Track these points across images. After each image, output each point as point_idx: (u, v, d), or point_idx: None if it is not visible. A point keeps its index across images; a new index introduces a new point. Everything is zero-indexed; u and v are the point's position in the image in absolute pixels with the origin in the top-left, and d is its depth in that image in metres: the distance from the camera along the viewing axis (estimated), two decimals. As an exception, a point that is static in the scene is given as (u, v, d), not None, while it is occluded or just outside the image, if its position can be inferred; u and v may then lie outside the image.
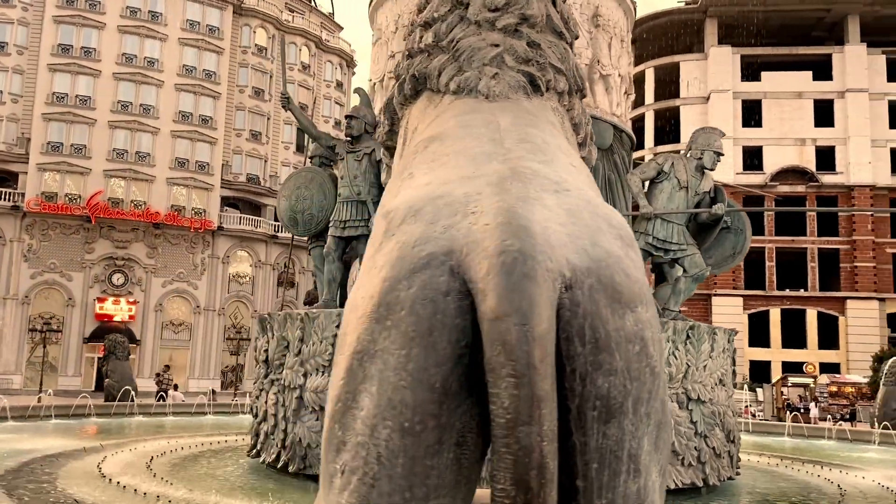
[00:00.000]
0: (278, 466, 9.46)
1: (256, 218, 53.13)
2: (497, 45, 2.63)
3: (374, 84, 11.55)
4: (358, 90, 10.84)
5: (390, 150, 3.07)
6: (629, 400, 1.43)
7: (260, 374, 10.26)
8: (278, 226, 53.91)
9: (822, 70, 48.37)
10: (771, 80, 48.51)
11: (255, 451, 10.23)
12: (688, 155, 9.86)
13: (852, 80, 47.39)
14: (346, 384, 1.45)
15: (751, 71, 48.77)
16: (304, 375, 9.26)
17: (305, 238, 11.97)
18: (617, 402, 1.42)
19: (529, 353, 1.31)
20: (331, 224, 10.34)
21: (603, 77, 10.94)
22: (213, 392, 31.89)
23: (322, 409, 8.95)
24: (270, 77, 54.79)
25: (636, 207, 9.98)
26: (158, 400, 20.15)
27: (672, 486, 8.84)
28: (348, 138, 10.34)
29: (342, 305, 10.57)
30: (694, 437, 9.08)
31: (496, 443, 1.29)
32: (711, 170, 9.79)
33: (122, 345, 21.90)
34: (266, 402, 9.95)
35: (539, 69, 2.64)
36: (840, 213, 46.15)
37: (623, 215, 10.44)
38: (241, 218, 52.33)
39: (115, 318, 46.64)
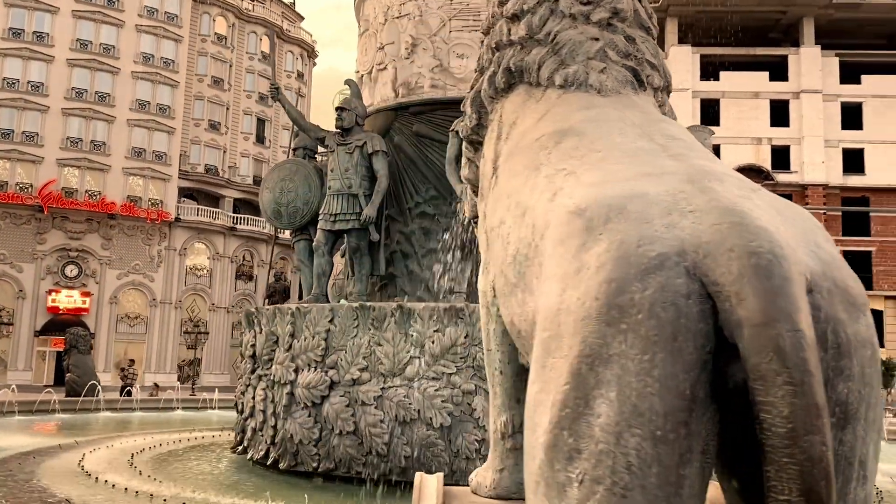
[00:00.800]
0: (268, 463, 9.32)
1: (215, 209, 52.26)
2: (597, 39, 2.60)
3: (363, 76, 11.41)
4: (348, 82, 10.70)
5: (474, 144, 3.00)
6: (863, 405, 1.41)
7: (246, 369, 10.09)
8: (237, 217, 53.19)
9: (779, 71, 49.31)
10: (729, 80, 49.27)
11: (241, 447, 10.06)
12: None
13: (807, 82, 48.39)
14: (574, 389, 1.39)
15: (710, 70, 49.49)
16: (296, 371, 9.12)
17: (289, 231, 11.77)
18: (853, 407, 1.40)
19: (806, 360, 1.27)
20: (320, 217, 10.19)
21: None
22: (157, 386, 31.30)
23: (315, 404, 8.84)
24: (230, 66, 53.92)
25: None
26: (123, 395, 19.72)
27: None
28: (338, 131, 10.19)
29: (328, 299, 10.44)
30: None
31: (774, 453, 1.25)
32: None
33: (83, 338, 21.36)
34: (254, 398, 9.78)
35: (638, 64, 2.61)
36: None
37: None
38: (198, 209, 51.43)
39: (69, 311, 45.48)
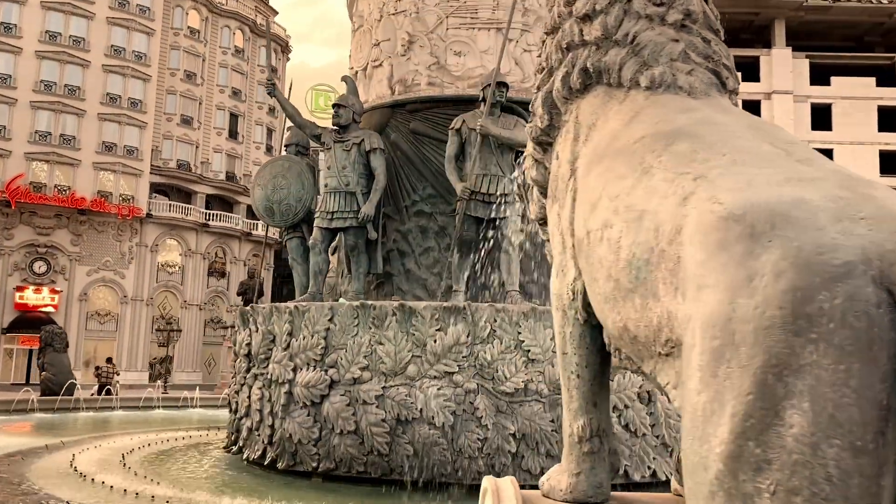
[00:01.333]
0: (265, 463, 9.24)
1: (187, 205, 51.64)
2: (677, 41, 2.59)
3: (357, 72, 11.32)
4: (345, 78, 10.61)
5: (542, 145, 2.98)
6: None
7: (241, 368, 9.97)
8: (209, 214, 52.62)
9: (750, 72, 49.94)
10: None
11: (235, 446, 9.96)
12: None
13: (778, 83, 49.09)
14: (760, 399, 1.38)
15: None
16: (294, 370, 9.04)
17: (279, 228, 11.65)
18: None
19: None
20: (316, 215, 10.11)
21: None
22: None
23: (314, 404, 8.77)
24: (203, 60, 53.28)
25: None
26: (100, 394, 19.40)
27: (663, 477, 9.00)
28: (335, 128, 10.11)
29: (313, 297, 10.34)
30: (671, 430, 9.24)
31: None
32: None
33: (59, 336, 20.95)
34: (249, 398, 9.68)
35: (717, 66, 2.61)
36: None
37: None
38: (170, 205, 50.78)
39: (37, 308, 44.67)
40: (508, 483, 2.78)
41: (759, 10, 49.53)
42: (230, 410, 10.52)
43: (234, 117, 55.18)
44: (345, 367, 8.70)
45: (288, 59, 61.65)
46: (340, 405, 8.60)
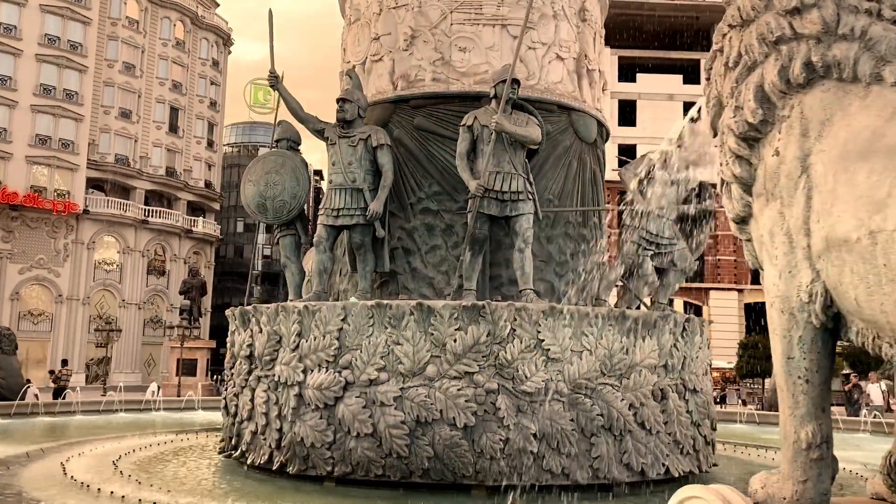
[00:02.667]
0: (273, 468, 8.94)
1: (125, 201, 50.10)
2: None
3: (354, 66, 11.05)
4: (349, 72, 10.35)
5: (748, 141, 2.88)
6: None
7: (241, 370, 9.64)
8: (149, 210, 51.16)
9: (692, 74, 51.16)
10: (645, 82, 50.81)
11: (236, 451, 9.62)
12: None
13: None
14: None
15: (627, 72, 50.87)
16: (304, 372, 8.78)
17: (274, 225, 11.31)
18: None
19: None
20: (320, 212, 9.83)
21: (589, 72, 11.02)
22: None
23: (327, 406, 8.54)
24: (142, 52, 51.74)
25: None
26: (56, 398, 18.58)
27: (676, 475, 9.08)
28: (339, 123, 9.85)
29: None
30: (690, 426, 9.34)
31: None
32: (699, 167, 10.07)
33: (8, 337, 19.97)
34: (253, 401, 9.37)
35: None
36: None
37: (602, 209, 10.55)
38: (108, 201, 49.17)
39: (-34, 308, 42.68)
40: (732, 493, 2.68)
41: (700, 14, 50.78)
42: (226, 414, 10.16)
43: (174, 111, 53.77)
44: (360, 368, 8.49)
45: (230, 52, 60.38)
46: (356, 407, 8.38)
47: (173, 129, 53.71)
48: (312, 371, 8.73)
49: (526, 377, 8.29)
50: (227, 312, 10.63)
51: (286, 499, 8.22)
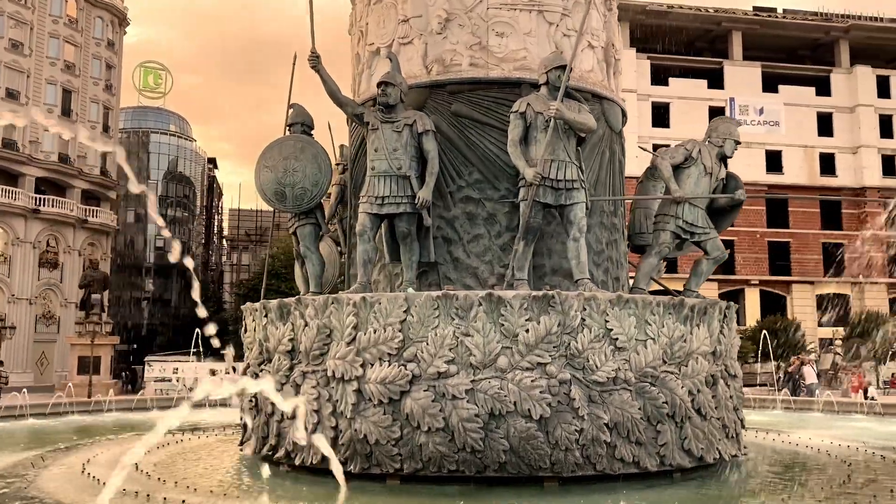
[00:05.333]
0: (329, 468, 8.49)
1: (14, 189, 46.63)
2: None
3: (379, 49, 10.63)
4: (390, 55, 9.93)
5: None
6: None
7: (281, 366, 9.12)
8: (40, 199, 47.88)
9: (716, 79, 53.59)
10: (677, 86, 52.70)
11: (277, 452, 9.09)
12: (708, 142, 10.29)
13: (735, 90, 53.02)
14: None
15: (660, 77, 52.56)
16: (363, 366, 8.40)
17: (292, 213, 10.75)
18: None
19: None
20: (362, 200, 9.42)
21: (616, 61, 11.07)
22: None
23: (392, 401, 8.21)
24: (31, 29, 48.24)
25: (664, 191, 10.23)
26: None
27: (726, 458, 9.28)
28: (381, 107, 9.46)
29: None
30: (733, 410, 9.57)
31: None
32: (730, 158, 10.30)
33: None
34: (300, 397, 8.88)
35: None
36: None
37: (619, 199, 10.64)
38: (-5, 189, 45.68)
39: None
40: None
41: (719, 23, 53.25)
42: (257, 412, 9.61)
43: (66, 93, 50.45)
44: (427, 360, 8.20)
45: (125, 33, 57.23)
46: (426, 401, 8.10)
47: (66, 112, 50.36)
48: (373, 365, 8.36)
49: (596, 367, 8.26)
50: (252, 305, 10.04)
51: (353, 500, 7.85)
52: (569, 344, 8.23)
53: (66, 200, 49.62)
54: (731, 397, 9.57)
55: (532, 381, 8.05)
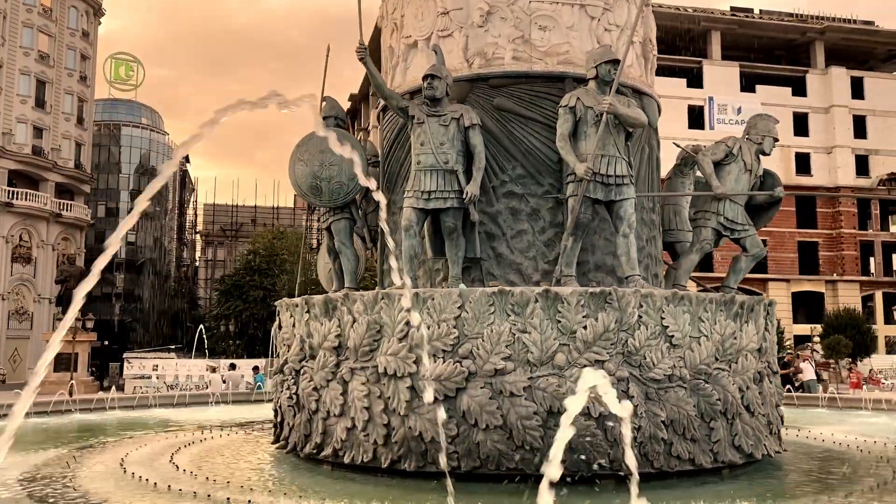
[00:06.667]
0: (384, 466, 8.35)
1: (-14, 181, 45.61)
2: None
3: (417, 42, 10.46)
4: (435, 47, 9.77)
5: None
6: None
7: (326, 362, 8.94)
8: (13, 192, 46.82)
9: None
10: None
11: (323, 450, 8.92)
12: (747, 139, 10.29)
13: (714, 89, 53.39)
14: None
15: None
16: (416, 362, 8.26)
17: (324, 208, 10.54)
18: None
19: None
20: (408, 194, 9.26)
21: (653, 56, 11.04)
22: None
23: (448, 398, 8.08)
24: (4, 18, 47.09)
25: (705, 187, 10.21)
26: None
27: (771, 455, 9.30)
28: (427, 100, 9.30)
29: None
30: (774, 407, 9.60)
31: None
32: (768, 155, 10.31)
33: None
34: (345, 395, 8.72)
35: None
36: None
37: (664, 195, 10.62)
38: (-34, 181, 44.56)
39: None
40: None
41: (697, 24, 53.85)
42: (297, 409, 9.41)
43: (41, 84, 49.40)
44: (483, 357, 8.08)
45: (100, 24, 56.15)
46: (483, 398, 7.98)
47: (40, 103, 49.32)
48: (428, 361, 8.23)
49: (653, 364, 8.21)
50: (291, 301, 9.83)
51: (410, 499, 7.71)
52: (626, 341, 8.17)
53: (40, 194, 48.60)
54: (773, 394, 9.60)
55: (590, 378, 7.96)
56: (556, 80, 9.88)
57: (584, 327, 8.09)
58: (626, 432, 7.34)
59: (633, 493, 3.38)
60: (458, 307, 8.26)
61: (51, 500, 7.21)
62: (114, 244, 2.88)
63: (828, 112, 56.30)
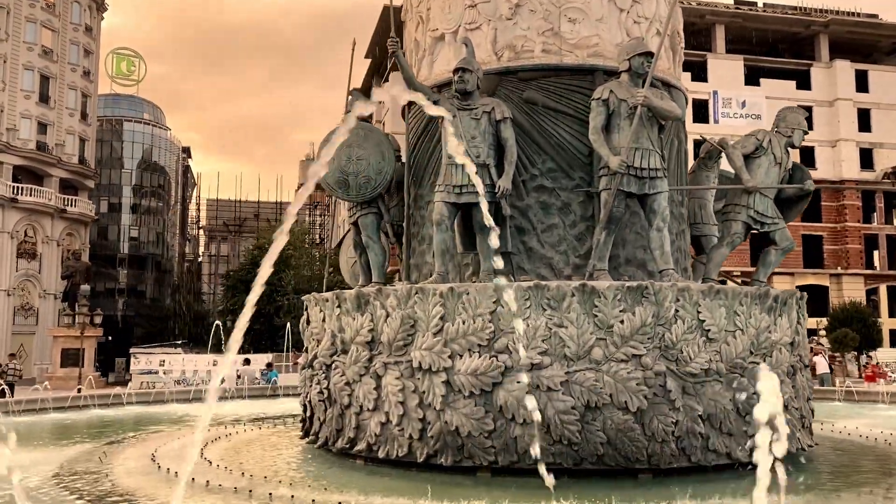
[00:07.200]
0: (420, 460, 8.33)
1: (-9, 177, 45.47)
2: None
3: (444, 35, 10.39)
4: (465, 40, 9.70)
5: None
6: None
7: (359, 357, 8.91)
8: (18, 188, 46.70)
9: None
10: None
11: (357, 444, 8.89)
12: (776, 132, 10.24)
13: (719, 83, 53.38)
14: None
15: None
16: (451, 357, 8.23)
17: (351, 203, 10.50)
18: None
19: None
20: (439, 188, 9.22)
21: (680, 49, 10.98)
22: None
23: (484, 392, 8.06)
24: (7, 13, 46.92)
25: (735, 181, 10.17)
26: (2, 396, 16.53)
27: (805, 449, 9.28)
28: (458, 94, 9.25)
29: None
30: (806, 402, 9.57)
31: None
32: (797, 147, 10.27)
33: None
34: (378, 389, 8.69)
35: None
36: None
37: (695, 188, 10.56)
38: (-29, 176, 44.41)
39: None
40: None
41: (702, 17, 53.65)
42: (328, 404, 9.38)
43: (45, 79, 49.22)
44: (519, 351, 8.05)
45: (103, 18, 55.97)
46: (520, 393, 7.95)
47: (44, 99, 49.16)
48: (462, 356, 8.20)
49: (690, 358, 8.17)
50: (322, 295, 9.80)
51: (442, 496, 7.67)
52: (663, 335, 8.14)
53: (45, 189, 48.48)
54: (805, 388, 9.57)
55: (628, 372, 7.95)
56: (587, 73, 9.83)
57: (622, 321, 8.06)
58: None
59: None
60: (494, 302, 8.22)
61: (93, 497, 7.18)
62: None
63: (832, 105, 56.19)
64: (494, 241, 7.90)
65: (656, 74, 10.18)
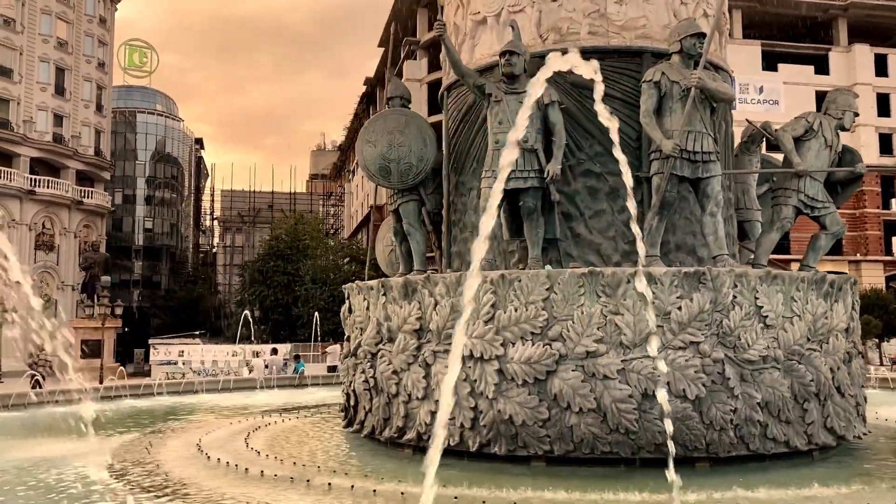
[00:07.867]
0: (473, 449, 8.21)
1: (8, 169, 45.42)
2: None
3: (486, 18, 10.21)
4: (512, 23, 9.52)
5: None
6: None
7: (407, 345, 8.78)
8: (35, 180, 46.75)
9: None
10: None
11: (406, 434, 8.78)
12: (826, 115, 10.03)
13: (737, 68, 53.07)
14: None
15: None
16: (503, 345, 8.09)
17: (393, 189, 10.36)
18: None
19: None
20: (486, 174, 9.06)
21: (726, 30, 10.77)
22: None
23: (538, 381, 7.92)
24: (23, 6, 46.87)
25: (786, 164, 9.96)
26: (35, 388, 16.54)
27: (860, 437, 9.11)
28: (505, 77, 9.08)
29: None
30: (860, 389, 9.39)
31: None
32: (848, 130, 10.06)
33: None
34: (427, 378, 8.57)
35: None
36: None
37: (745, 172, 10.35)
38: (-10, 169, 44.46)
39: None
40: None
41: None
42: (375, 393, 9.27)
43: (60, 71, 49.19)
44: (574, 339, 7.91)
45: (116, 10, 55.88)
46: (575, 381, 7.81)
47: (60, 91, 49.16)
48: (514, 344, 8.06)
49: (748, 345, 8.01)
50: (366, 284, 9.67)
51: (502, 484, 7.53)
52: (720, 322, 7.97)
53: (61, 181, 48.54)
54: (859, 374, 9.39)
55: (686, 360, 7.80)
56: (634, 55, 9.65)
57: (679, 308, 7.89)
58: None
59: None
60: (547, 289, 8.07)
61: (147, 486, 7.10)
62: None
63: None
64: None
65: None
